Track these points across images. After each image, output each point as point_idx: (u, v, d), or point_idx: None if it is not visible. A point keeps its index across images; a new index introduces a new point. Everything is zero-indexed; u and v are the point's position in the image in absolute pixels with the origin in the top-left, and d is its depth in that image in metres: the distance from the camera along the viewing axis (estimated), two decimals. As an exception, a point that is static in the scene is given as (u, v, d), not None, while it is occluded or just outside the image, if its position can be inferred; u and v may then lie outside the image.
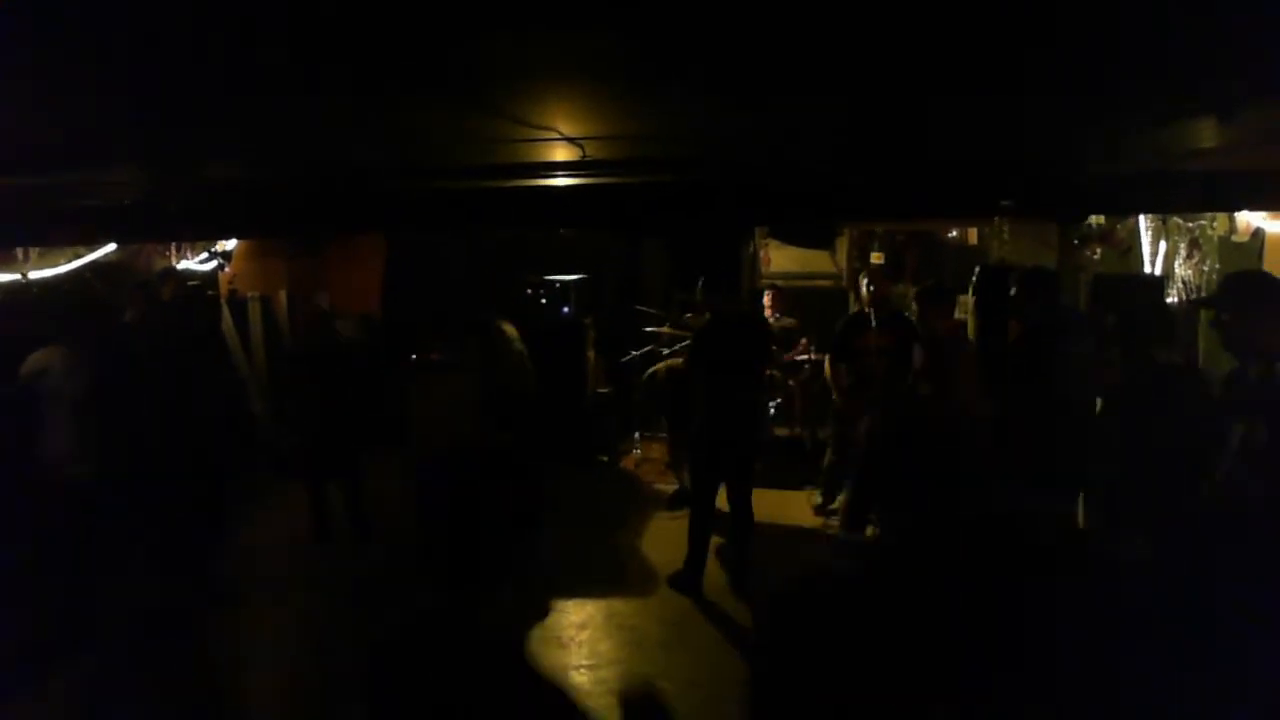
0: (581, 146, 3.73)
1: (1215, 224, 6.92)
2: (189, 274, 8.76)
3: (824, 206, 6.04)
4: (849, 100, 3.17)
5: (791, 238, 9.57)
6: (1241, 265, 6.66)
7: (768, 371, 8.84)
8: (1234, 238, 6.74)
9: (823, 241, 9.90)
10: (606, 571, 6.85)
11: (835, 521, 7.67)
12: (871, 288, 7.32)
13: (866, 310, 7.35)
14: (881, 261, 10.43)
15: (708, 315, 6.74)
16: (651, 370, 9.25)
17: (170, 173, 4.81)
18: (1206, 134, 3.30)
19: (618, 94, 2.94)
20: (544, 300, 9.96)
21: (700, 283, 6.68)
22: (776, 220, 6.84)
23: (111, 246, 7.29)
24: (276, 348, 9.60)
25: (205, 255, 9.15)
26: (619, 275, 11.16)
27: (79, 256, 7.10)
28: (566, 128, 3.38)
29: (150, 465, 5.97)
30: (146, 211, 5.75)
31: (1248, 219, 6.51)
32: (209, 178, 5.07)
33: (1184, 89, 2.71)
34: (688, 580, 6.47)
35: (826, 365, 7.70)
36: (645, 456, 10.00)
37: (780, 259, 10.70)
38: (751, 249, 10.58)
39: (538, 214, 5.63)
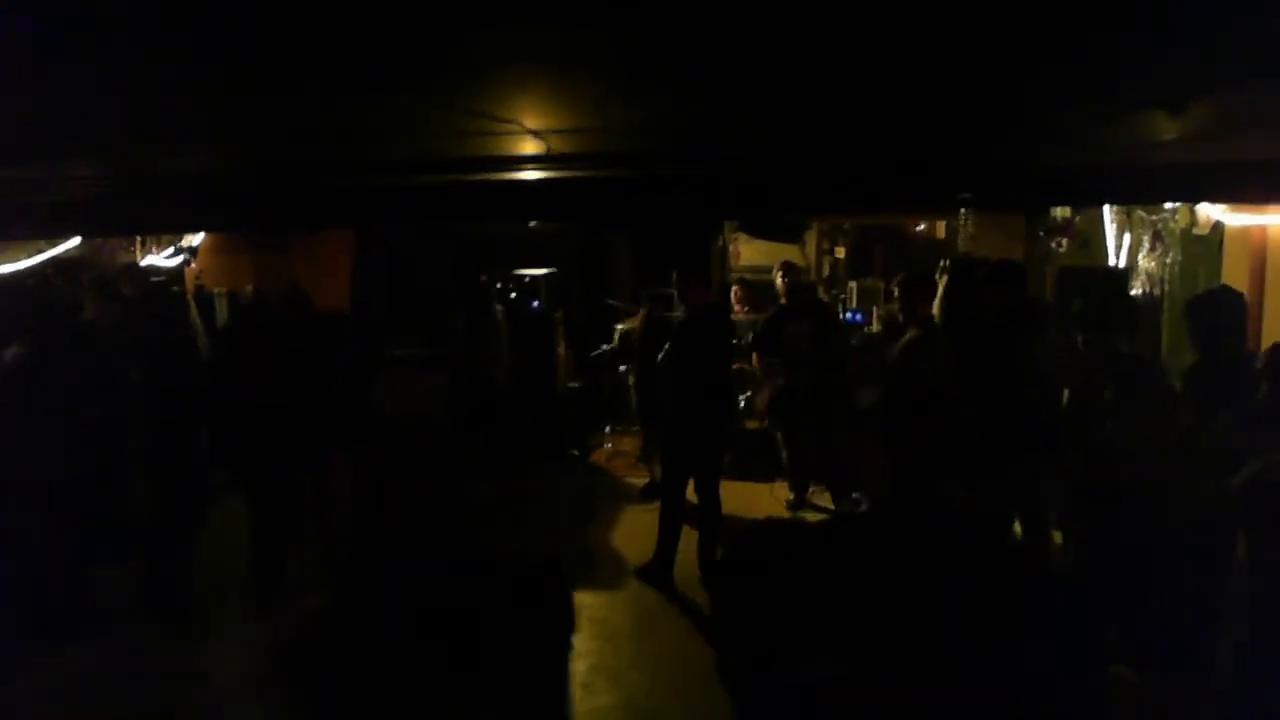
0: (546, 140, 3.73)
1: (1177, 217, 7.01)
2: (154, 269, 8.67)
3: (791, 200, 6.06)
4: (816, 93, 3.18)
5: (760, 231, 9.60)
6: (1202, 258, 6.77)
7: (736, 365, 8.90)
8: (1195, 231, 6.83)
9: (791, 235, 9.94)
10: (577, 565, 6.86)
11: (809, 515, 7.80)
12: (785, 279, 7.54)
13: (783, 302, 7.54)
14: (844, 256, 10.53)
15: (668, 311, 6.85)
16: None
17: (134, 167, 4.76)
18: (1164, 126, 3.34)
19: (582, 87, 2.94)
20: (513, 295, 9.94)
21: (674, 276, 6.72)
22: (744, 213, 6.88)
23: (74, 241, 7.20)
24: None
25: (171, 250, 9.05)
26: (588, 269, 11.16)
27: (40, 252, 7.00)
28: (531, 121, 3.37)
29: (121, 465, 5.92)
30: (111, 205, 5.68)
31: (1208, 212, 6.59)
32: (174, 172, 5.03)
33: (1139, 82, 2.74)
34: (657, 572, 6.49)
35: (754, 360, 7.89)
36: (616, 450, 10.00)
37: (749, 252, 10.74)
38: (720, 242, 10.61)
39: (505, 208, 5.61)
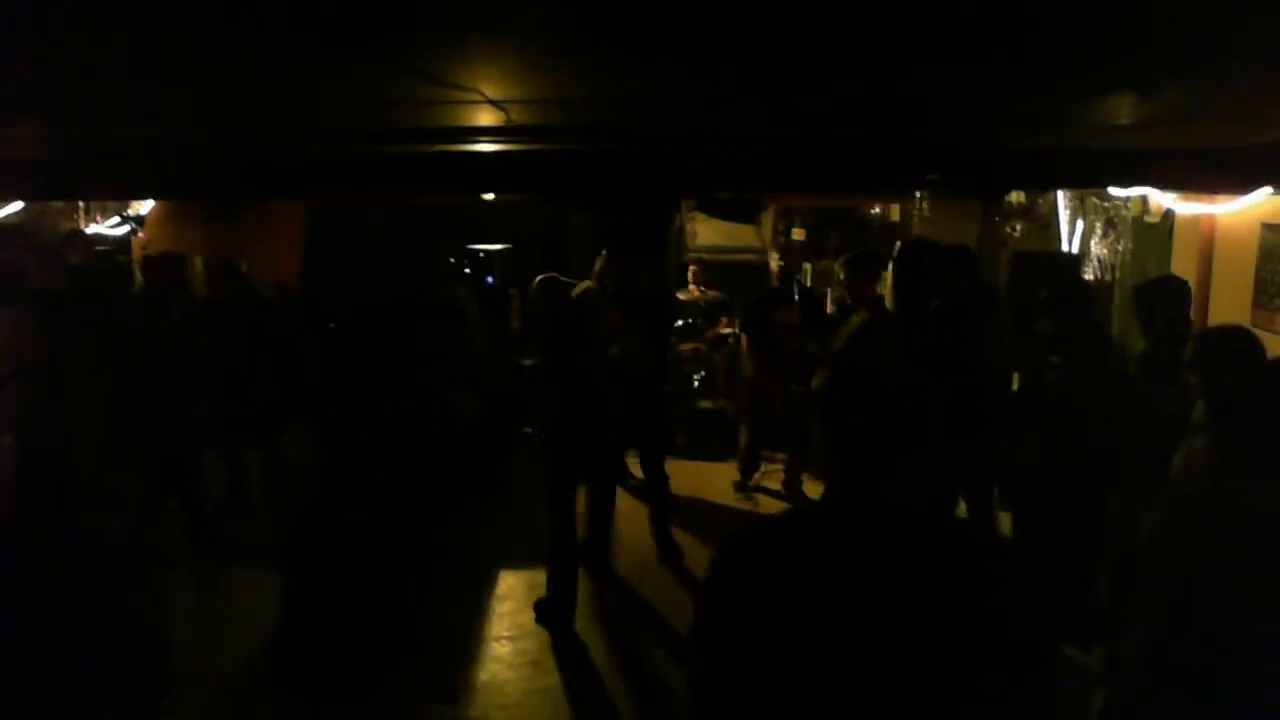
0: (506, 110, 3.67)
1: (1129, 205, 7.10)
2: (98, 238, 8.48)
3: (754, 180, 6.04)
4: (776, 73, 3.16)
5: (717, 211, 9.60)
6: (1153, 246, 6.86)
7: (692, 347, 8.90)
8: (1146, 218, 6.93)
9: (747, 216, 9.94)
10: (528, 543, 6.83)
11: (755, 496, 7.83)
12: (782, 263, 7.51)
13: (777, 285, 7.51)
14: (803, 238, 10.53)
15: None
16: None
17: (80, 129, 4.63)
18: (1127, 110, 3.37)
19: (546, 56, 2.89)
20: (468, 270, 9.86)
21: (602, 254, 6.66)
22: (703, 192, 6.85)
23: (14, 207, 7.00)
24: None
25: (116, 219, 8.84)
26: (545, 245, 11.07)
27: (-22, 218, 6.80)
28: (490, 90, 3.31)
29: (75, 437, 5.81)
30: (54, 168, 5.54)
31: (1159, 200, 6.69)
32: (121, 136, 4.90)
33: (1106, 64, 2.74)
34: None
35: (742, 341, 7.84)
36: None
37: (706, 233, 10.72)
38: (677, 222, 10.58)
39: (463, 180, 5.55)
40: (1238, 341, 3.64)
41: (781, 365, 7.38)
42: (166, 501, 6.45)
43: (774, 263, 7.65)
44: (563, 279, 6.35)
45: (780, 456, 8.00)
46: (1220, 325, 4.53)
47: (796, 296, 7.77)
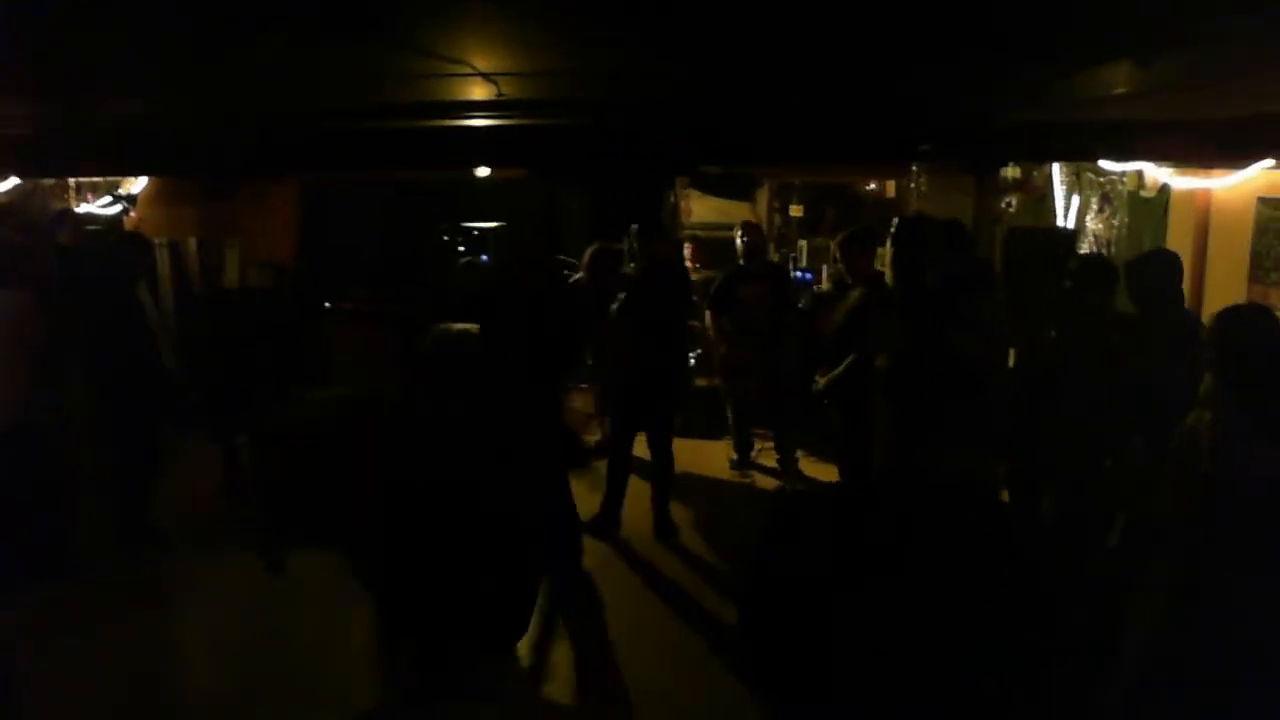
0: (496, 83, 3.63)
1: (1125, 179, 7.07)
2: (90, 217, 8.41)
3: (748, 154, 6.01)
4: (770, 46, 3.13)
5: (711, 188, 9.55)
6: (1149, 220, 6.84)
7: (690, 323, 8.87)
8: (1142, 193, 6.90)
9: (743, 192, 9.90)
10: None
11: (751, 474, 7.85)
12: (745, 239, 7.55)
13: (741, 262, 7.56)
14: (801, 214, 10.49)
15: (632, 265, 6.77)
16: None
17: (72, 106, 4.60)
18: (1121, 80, 3.34)
19: (537, 28, 2.86)
20: (461, 248, 9.83)
21: (633, 229, 6.65)
22: (698, 166, 6.83)
23: (6, 185, 6.95)
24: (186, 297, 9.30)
25: (108, 198, 8.77)
26: (540, 223, 11.02)
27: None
28: (481, 63, 3.28)
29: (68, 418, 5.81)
30: (45, 146, 5.50)
31: (1155, 175, 6.66)
32: (113, 113, 4.85)
33: (1101, 33, 2.72)
34: (603, 526, 6.49)
35: (708, 319, 7.88)
36: (569, 405, 9.93)
37: (700, 209, 10.66)
38: (672, 199, 10.53)
39: (454, 155, 5.51)
40: (1258, 318, 3.63)
41: (751, 341, 7.43)
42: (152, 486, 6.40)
43: (739, 239, 7.67)
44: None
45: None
46: (1241, 303, 4.53)
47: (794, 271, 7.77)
